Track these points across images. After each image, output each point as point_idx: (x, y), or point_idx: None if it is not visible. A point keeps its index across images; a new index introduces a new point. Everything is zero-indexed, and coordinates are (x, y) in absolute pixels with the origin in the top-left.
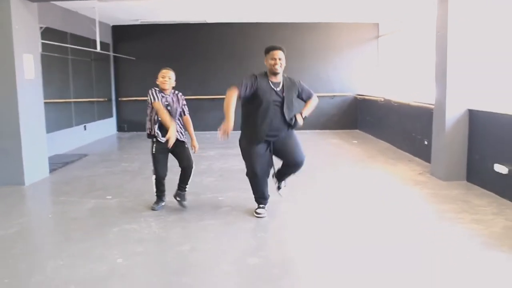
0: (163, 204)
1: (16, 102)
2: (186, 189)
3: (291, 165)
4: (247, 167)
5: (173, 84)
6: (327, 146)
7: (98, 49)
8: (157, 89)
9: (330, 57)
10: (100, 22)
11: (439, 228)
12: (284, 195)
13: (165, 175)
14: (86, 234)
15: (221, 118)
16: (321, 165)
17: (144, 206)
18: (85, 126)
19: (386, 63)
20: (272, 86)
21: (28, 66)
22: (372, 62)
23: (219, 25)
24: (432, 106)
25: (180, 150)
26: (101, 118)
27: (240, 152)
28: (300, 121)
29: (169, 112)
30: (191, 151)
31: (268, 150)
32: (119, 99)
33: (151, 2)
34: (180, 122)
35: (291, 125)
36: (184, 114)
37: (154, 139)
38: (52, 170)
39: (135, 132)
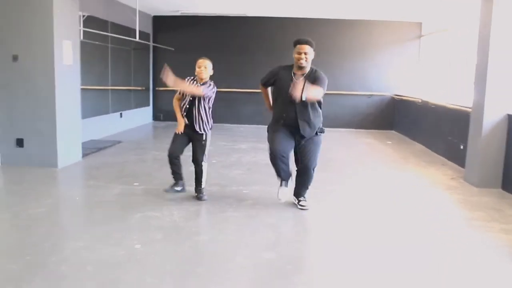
0: (178, 189)
1: (53, 87)
2: (201, 189)
3: (302, 171)
4: (269, 148)
5: (210, 73)
6: (360, 145)
7: (137, 38)
8: (191, 78)
9: (369, 55)
10: (140, 12)
11: (466, 235)
12: (308, 206)
13: (175, 153)
14: (109, 218)
15: (256, 112)
16: (351, 164)
17: (169, 194)
18: (121, 113)
19: (427, 63)
20: (293, 79)
21: (67, 53)
22: (412, 62)
23: (259, 19)
24: (470, 110)
25: (195, 143)
26: (137, 107)
27: None
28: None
29: (194, 100)
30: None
31: (293, 138)
32: (156, 88)
33: None
34: (206, 114)
35: (308, 123)
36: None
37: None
38: (85, 154)
39: (170, 122)
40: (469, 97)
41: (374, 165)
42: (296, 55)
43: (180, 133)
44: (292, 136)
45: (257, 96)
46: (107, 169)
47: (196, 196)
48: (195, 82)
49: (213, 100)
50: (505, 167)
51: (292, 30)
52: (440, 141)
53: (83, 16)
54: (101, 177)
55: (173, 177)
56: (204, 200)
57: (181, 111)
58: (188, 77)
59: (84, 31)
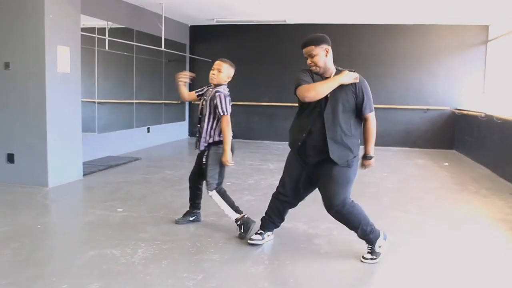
0: (191, 219)
1: (44, 97)
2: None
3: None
4: (280, 180)
5: (226, 79)
6: (410, 167)
7: (163, 47)
8: (205, 87)
9: (425, 64)
10: (175, 21)
11: None
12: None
13: (191, 178)
14: (54, 255)
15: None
16: (391, 190)
17: (150, 225)
18: (148, 128)
19: (495, 72)
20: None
21: (63, 59)
22: (477, 71)
23: (300, 26)
24: None
25: (202, 163)
26: (170, 121)
27: None
28: (368, 164)
29: (202, 110)
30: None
31: (304, 171)
32: (193, 102)
33: None
34: (211, 125)
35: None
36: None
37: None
38: (90, 172)
39: None
40: None
41: (419, 191)
42: (308, 62)
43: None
44: (303, 167)
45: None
46: (101, 190)
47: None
48: (206, 89)
49: (225, 110)
50: None
51: (338, 37)
52: (508, 164)
53: (108, 27)
54: (88, 200)
55: (190, 205)
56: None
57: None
58: (204, 87)
59: (109, 41)
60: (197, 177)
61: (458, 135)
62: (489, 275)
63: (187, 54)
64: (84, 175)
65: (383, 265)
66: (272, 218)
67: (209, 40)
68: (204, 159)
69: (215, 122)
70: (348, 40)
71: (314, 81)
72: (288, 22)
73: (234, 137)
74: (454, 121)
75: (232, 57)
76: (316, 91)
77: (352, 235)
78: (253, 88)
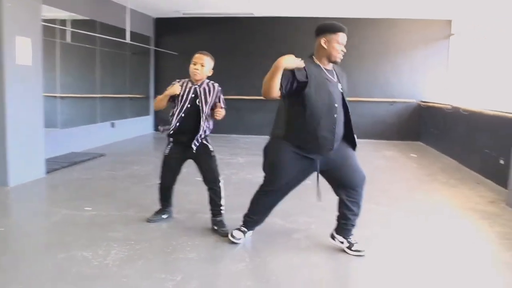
0: (164, 216)
1: (2, 91)
2: (222, 211)
3: (352, 193)
4: (269, 180)
5: (208, 73)
6: (379, 159)
7: (128, 39)
8: (185, 80)
9: (390, 57)
10: (140, 13)
11: None
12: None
13: (171, 185)
14: (20, 260)
15: (265, 121)
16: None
17: (120, 224)
18: (112, 123)
19: (458, 65)
20: (327, 76)
21: (23, 51)
22: (441, 64)
23: (267, 19)
24: None
25: (203, 158)
26: (135, 116)
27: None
28: None
29: (193, 107)
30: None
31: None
32: (158, 96)
33: None
34: (207, 121)
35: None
36: (221, 107)
37: (172, 139)
38: (53, 170)
39: None
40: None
41: (392, 182)
42: (336, 45)
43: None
44: (308, 166)
45: (265, 103)
46: (66, 188)
47: (214, 222)
48: (187, 84)
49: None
50: None
51: (306, 31)
52: (474, 155)
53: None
54: (52, 199)
55: (161, 205)
56: (226, 233)
57: (174, 121)
58: (178, 80)
59: (71, 32)
60: (175, 181)
61: (424, 127)
62: (459, 264)
63: (152, 47)
64: (47, 172)
65: (361, 258)
66: (258, 216)
67: (175, 32)
68: (212, 149)
69: (209, 116)
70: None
71: (315, 76)
72: (256, 15)
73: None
74: (420, 113)
75: (198, 50)
76: (264, 88)
77: (330, 228)
78: (220, 82)
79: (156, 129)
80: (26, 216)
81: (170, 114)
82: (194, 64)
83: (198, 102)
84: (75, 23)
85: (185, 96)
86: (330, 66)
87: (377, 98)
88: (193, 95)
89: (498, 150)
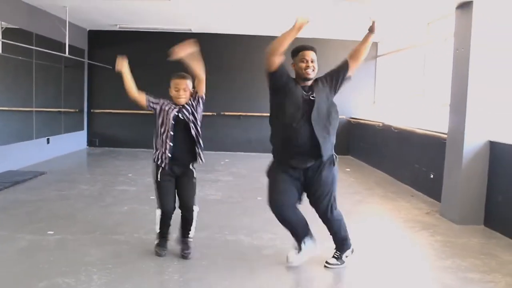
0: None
1: None
2: (190, 234)
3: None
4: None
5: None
6: None
7: (67, 53)
8: (167, 101)
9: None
10: (75, 26)
11: None
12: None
13: (173, 208)
14: None
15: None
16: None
17: (91, 247)
18: (48, 139)
19: (384, 85)
20: (303, 92)
21: None
22: (368, 83)
23: (205, 36)
24: (442, 135)
25: (184, 181)
26: (69, 131)
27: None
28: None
29: (180, 127)
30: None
31: (297, 181)
32: (92, 110)
33: (129, 4)
34: (196, 142)
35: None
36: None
37: (159, 162)
38: None
39: (107, 148)
40: (434, 120)
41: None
42: (301, 64)
43: None
44: (298, 177)
45: (206, 119)
46: (17, 211)
47: (182, 252)
48: (172, 107)
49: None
50: (487, 201)
51: (242, 47)
52: (405, 169)
53: (2, 27)
54: (6, 223)
55: (162, 236)
56: (186, 255)
57: (159, 142)
58: (164, 100)
59: (3, 43)
60: (175, 204)
61: (354, 142)
62: (407, 271)
63: (86, 60)
64: None
65: (330, 271)
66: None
67: (110, 45)
68: (193, 179)
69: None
70: (252, 50)
71: (292, 91)
72: (194, 31)
73: (146, 147)
74: (349, 129)
75: (135, 64)
76: (274, 45)
77: (291, 241)
78: (155, 95)
79: (90, 144)
80: None
81: (154, 136)
82: (177, 91)
83: (182, 116)
84: (9, 32)
85: (168, 115)
86: (308, 83)
87: None
88: (178, 117)
89: (428, 165)
